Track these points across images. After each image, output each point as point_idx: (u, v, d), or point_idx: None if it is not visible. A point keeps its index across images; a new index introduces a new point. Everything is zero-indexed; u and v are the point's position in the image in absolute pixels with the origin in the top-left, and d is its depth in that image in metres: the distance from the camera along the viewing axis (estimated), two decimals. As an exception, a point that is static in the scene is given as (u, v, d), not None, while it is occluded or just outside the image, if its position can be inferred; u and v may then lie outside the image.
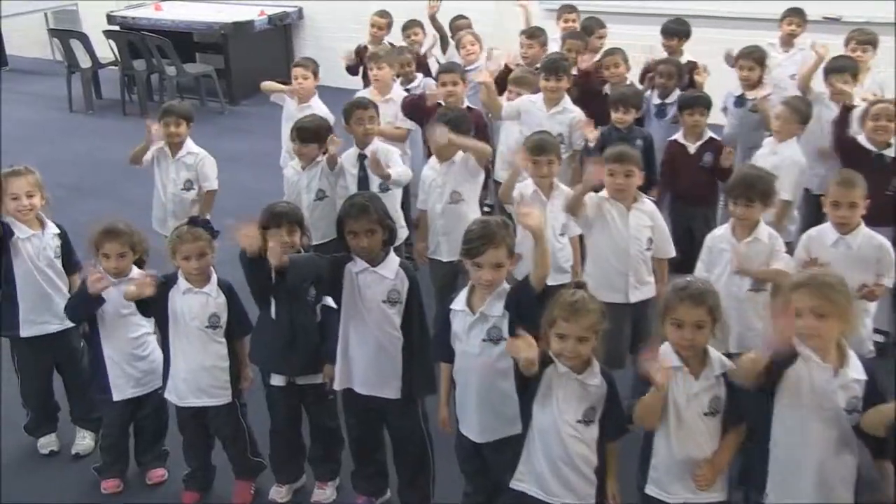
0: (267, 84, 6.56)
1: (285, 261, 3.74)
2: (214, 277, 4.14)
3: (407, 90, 6.56)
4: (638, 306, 4.61)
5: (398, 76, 6.62)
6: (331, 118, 5.95)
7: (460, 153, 5.04)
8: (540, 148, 4.78)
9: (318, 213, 5.27)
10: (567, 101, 5.88)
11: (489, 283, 3.53)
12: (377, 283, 3.86)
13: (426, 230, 5.24)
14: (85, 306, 4.20)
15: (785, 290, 3.23)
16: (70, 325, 4.48)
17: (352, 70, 7.61)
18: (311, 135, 5.29)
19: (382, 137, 5.71)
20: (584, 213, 4.57)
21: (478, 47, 7.07)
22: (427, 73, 7.04)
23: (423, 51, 7.45)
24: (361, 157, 5.40)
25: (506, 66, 6.60)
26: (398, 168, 5.27)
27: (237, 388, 4.22)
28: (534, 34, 6.99)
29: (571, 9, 7.58)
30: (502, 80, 6.23)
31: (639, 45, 7.05)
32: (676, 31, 6.95)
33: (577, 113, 5.85)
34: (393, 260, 3.91)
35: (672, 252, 4.67)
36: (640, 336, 4.56)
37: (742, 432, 3.31)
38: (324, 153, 5.30)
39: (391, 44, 7.46)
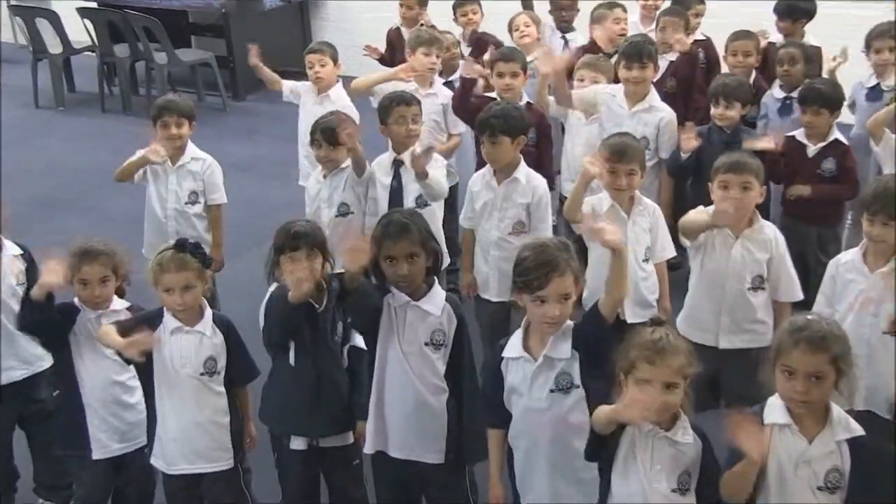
0: (264, 73, 6.78)
1: (353, 284, 3.81)
2: (208, 313, 4.21)
3: (448, 83, 6.64)
4: (728, 355, 4.64)
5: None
6: (355, 114, 6.06)
7: (523, 169, 5.13)
8: (621, 153, 4.83)
9: (341, 232, 5.30)
10: (654, 96, 5.95)
11: (556, 320, 3.58)
12: (419, 320, 3.93)
13: (471, 255, 5.33)
14: (36, 312, 4.20)
15: None
16: (39, 368, 4.59)
17: (384, 60, 7.70)
18: (335, 135, 5.36)
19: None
20: (695, 237, 4.63)
21: (534, 30, 7.16)
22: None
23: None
24: (397, 164, 5.51)
25: (591, 42, 6.69)
26: (437, 175, 5.35)
27: (240, 449, 4.28)
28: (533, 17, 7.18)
29: None
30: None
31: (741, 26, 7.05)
32: (794, 8, 6.94)
33: (667, 113, 5.92)
34: (438, 293, 3.98)
35: (798, 294, 4.65)
36: (725, 392, 4.59)
37: None
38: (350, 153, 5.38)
39: (432, 25, 7.56)
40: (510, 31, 7.27)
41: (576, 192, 4.89)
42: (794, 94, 6.15)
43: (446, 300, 3.98)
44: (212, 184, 5.74)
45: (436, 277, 4.04)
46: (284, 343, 4.13)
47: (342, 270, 3.89)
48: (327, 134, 5.38)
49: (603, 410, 3.29)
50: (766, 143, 5.54)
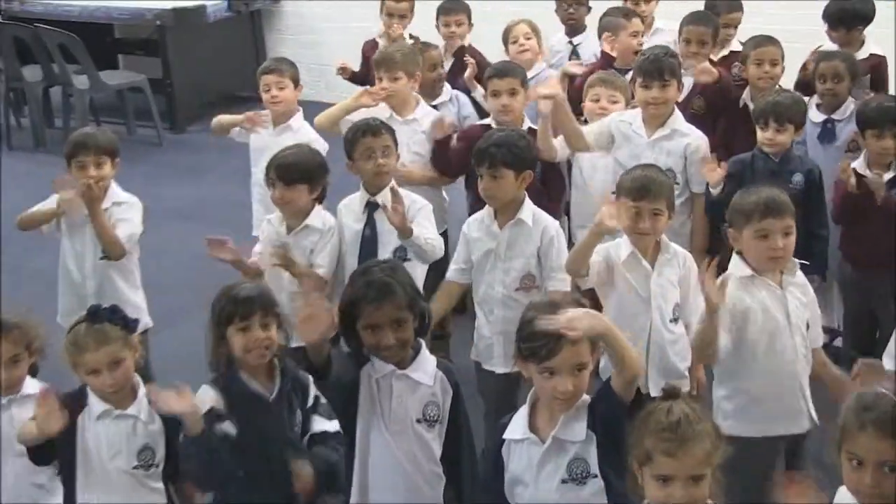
0: (219, 120, 6.73)
1: (321, 357, 3.82)
2: (142, 392, 4.20)
3: (435, 107, 6.66)
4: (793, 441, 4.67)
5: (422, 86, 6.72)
6: (322, 146, 6.09)
7: (528, 208, 5.13)
8: (644, 189, 4.82)
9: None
10: (678, 118, 5.95)
11: (569, 395, 3.58)
12: (408, 392, 3.95)
13: (448, 304, 5.32)
14: None
15: None
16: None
17: (358, 77, 7.75)
18: (297, 174, 5.34)
19: (407, 181, 5.83)
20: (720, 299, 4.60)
21: (535, 43, 7.21)
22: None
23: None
24: (370, 207, 5.49)
25: (604, 56, 6.75)
26: (427, 232, 5.33)
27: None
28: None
29: None
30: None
31: (786, 32, 7.11)
32: (848, 13, 6.89)
33: (694, 137, 5.90)
34: (427, 358, 4.01)
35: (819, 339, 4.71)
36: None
37: None
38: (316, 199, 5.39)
39: (413, 37, 7.62)
40: (506, 42, 7.31)
41: (584, 244, 4.84)
42: (837, 116, 6.22)
43: (438, 366, 3.99)
44: (123, 218, 5.64)
45: (422, 340, 4.05)
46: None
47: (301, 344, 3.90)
48: (284, 171, 5.35)
49: None
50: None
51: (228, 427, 3.94)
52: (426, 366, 3.98)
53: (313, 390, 4.13)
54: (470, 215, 5.48)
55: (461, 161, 6.02)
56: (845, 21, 6.86)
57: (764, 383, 4.60)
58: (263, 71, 6.67)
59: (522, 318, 3.70)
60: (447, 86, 6.99)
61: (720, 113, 6.60)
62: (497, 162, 5.05)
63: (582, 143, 5.91)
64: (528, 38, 7.19)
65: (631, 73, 6.35)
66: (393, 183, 5.41)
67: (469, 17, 7.76)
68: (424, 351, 4.03)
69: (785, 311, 4.55)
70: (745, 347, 4.55)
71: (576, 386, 3.57)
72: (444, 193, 6.39)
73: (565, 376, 3.55)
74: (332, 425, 4.09)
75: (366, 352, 3.96)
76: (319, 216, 5.43)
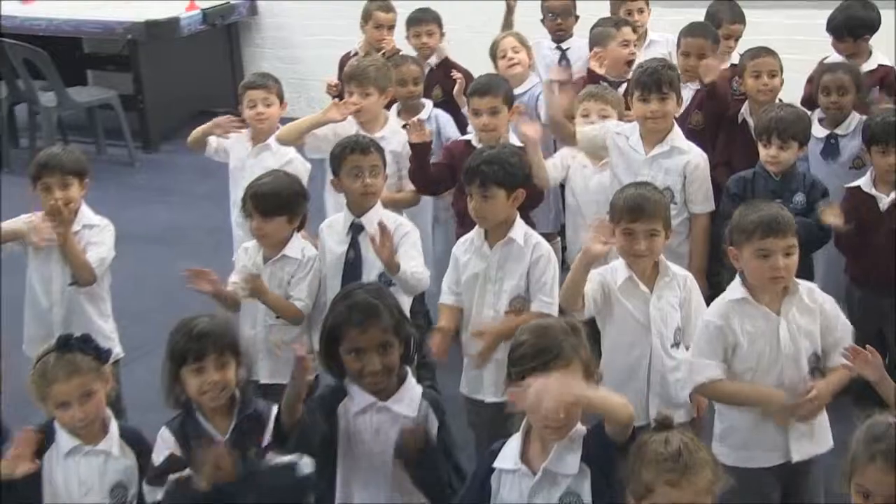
0: (193, 134, 6.67)
1: (293, 419, 3.83)
2: (114, 426, 4.20)
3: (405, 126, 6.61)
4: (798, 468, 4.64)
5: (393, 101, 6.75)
6: (304, 168, 6.13)
7: (519, 228, 5.13)
8: (638, 209, 4.81)
9: (280, 333, 5.31)
10: (677, 134, 5.94)
11: (561, 423, 3.56)
12: (389, 425, 3.94)
13: (454, 324, 5.27)
14: None
15: None
16: None
17: (342, 93, 7.73)
18: (275, 205, 5.32)
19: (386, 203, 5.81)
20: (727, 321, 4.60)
21: (524, 56, 7.19)
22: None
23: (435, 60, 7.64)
24: (355, 229, 5.48)
25: (589, 73, 6.77)
26: (413, 263, 5.33)
27: None
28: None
29: None
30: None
31: (788, 41, 7.12)
32: (855, 22, 6.91)
33: (694, 155, 5.90)
34: (412, 387, 4.00)
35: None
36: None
37: None
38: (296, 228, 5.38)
39: (397, 49, 7.64)
40: (493, 57, 7.30)
41: (574, 276, 4.82)
42: (840, 131, 6.24)
43: (424, 396, 3.98)
44: (94, 241, 5.62)
45: (408, 368, 4.05)
46: None
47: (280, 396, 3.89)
48: (262, 202, 5.31)
49: None
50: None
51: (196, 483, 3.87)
52: (410, 396, 3.97)
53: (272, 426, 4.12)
54: (457, 232, 5.50)
55: (440, 177, 6.07)
56: (853, 30, 6.87)
57: (741, 413, 4.63)
58: (249, 86, 6.64)
59: (514, 341, 3.69)
60: (429, 103, 7.00)
61: (719, 128, 6.60)
62: (489, 181, 5.03)
63: (571, 139, 6.06)
64: (517, 52, 7.16)
65: (624, 85, 6.36)
66: (382, 216, 5.38)
67: (440, 27, 7.77)
68: (410, 380, 4.02)
69: (776, 339, 4.52)
70: (731, 374, 4.56)
71: (568, 415, 3.54)
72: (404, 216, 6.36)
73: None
74: (294, 458, 3.99)
75: (346, 382, 3.94)
76: (298, 246, 5.42)
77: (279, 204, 5.32)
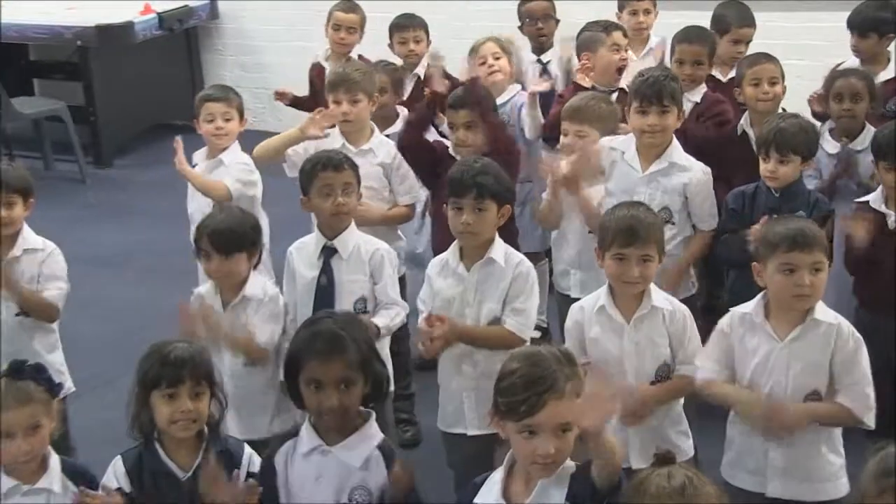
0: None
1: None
2: (55, 461, 4.17)
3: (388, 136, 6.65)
4: None
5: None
6: (256, 186, 6.26)
7: (500, 247, 5.13)
8: (631, 232, 4.76)
9: (245, 385, 5.23)
10: (676, 150, 5.90)
11: (551, 458, 3.56)
12: (332, 472, 3.93)
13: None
14: None
15: None
16: None
17: (304, 104, 7.76)
18: (235, 243, 5.24)
19: (362, 221, 5.77)
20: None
21: (505, 63, 7.13)
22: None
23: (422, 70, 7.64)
24: (327, 253, 5.45)
25: (575, 87, 6.77)
26: (390, 306, 5.37)
27: None
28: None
29: None
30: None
31: (789, 46, 7.13)
32: (877, 20, 6.97)
33: (696, 171, 5.87)
34: (369, 435, 3.98)
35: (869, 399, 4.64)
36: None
37: None
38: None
39: (361, 57, 7.69)
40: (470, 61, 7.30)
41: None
42: (856, 146, 6.24)
43: (378, 447, 3.97)
44: (49, 275, 5.63)
45: (372, 412, 4.04)
46: None
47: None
48: (221, 241, 5.21)
49: None
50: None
51: None
52: (362, 444, 3.95)
53: (247, 466, 4.14)
54: (434, 248, 5.56)
55: (429, 150, 6.24)
56: (879, 27, 6.93)
57: (733, 433, 4.72)
58: (207, 98, 6.63)
59: (503, 369, 3.66)
60: (403, 111, 7.00)
61: (720, 141, 6.59)
62: (485, 192, 5.00)
63: (554, 223, 6.11)
64: (498, 58, 7.07)
65: (616, 94, 6.38)
66: (357, 239, 5.42)
67: (427, 33, 7.81)
68: (371, 426, 4.00)
69: (772, 366, 4.56)
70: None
71: (559, 449, 3.55)
72: (400, 233, 6.43)
73: (548, 437, 3.53)
74: None
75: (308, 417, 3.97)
76: (259, 284, 5.35)
77: (239, 240, 5.25)
